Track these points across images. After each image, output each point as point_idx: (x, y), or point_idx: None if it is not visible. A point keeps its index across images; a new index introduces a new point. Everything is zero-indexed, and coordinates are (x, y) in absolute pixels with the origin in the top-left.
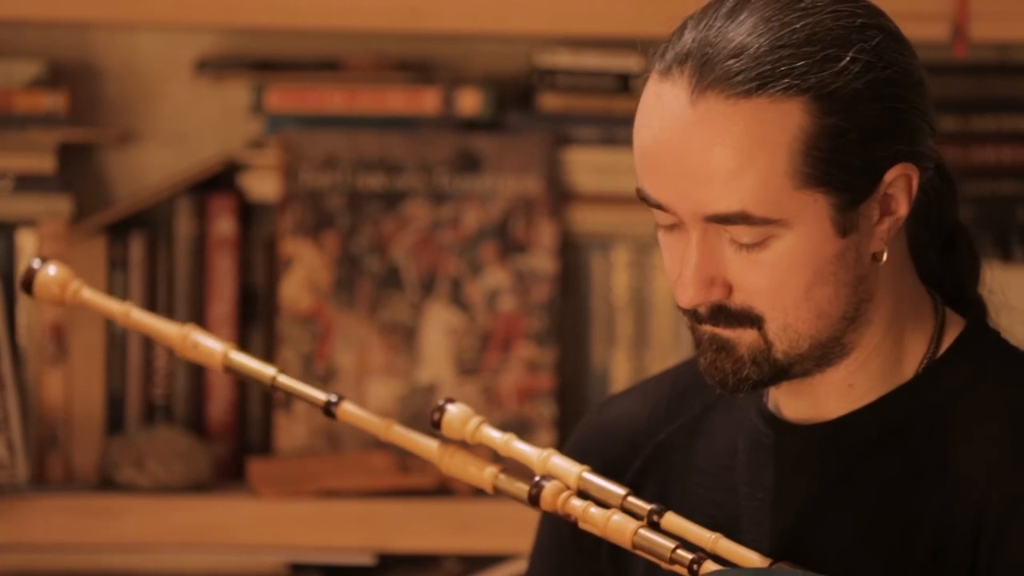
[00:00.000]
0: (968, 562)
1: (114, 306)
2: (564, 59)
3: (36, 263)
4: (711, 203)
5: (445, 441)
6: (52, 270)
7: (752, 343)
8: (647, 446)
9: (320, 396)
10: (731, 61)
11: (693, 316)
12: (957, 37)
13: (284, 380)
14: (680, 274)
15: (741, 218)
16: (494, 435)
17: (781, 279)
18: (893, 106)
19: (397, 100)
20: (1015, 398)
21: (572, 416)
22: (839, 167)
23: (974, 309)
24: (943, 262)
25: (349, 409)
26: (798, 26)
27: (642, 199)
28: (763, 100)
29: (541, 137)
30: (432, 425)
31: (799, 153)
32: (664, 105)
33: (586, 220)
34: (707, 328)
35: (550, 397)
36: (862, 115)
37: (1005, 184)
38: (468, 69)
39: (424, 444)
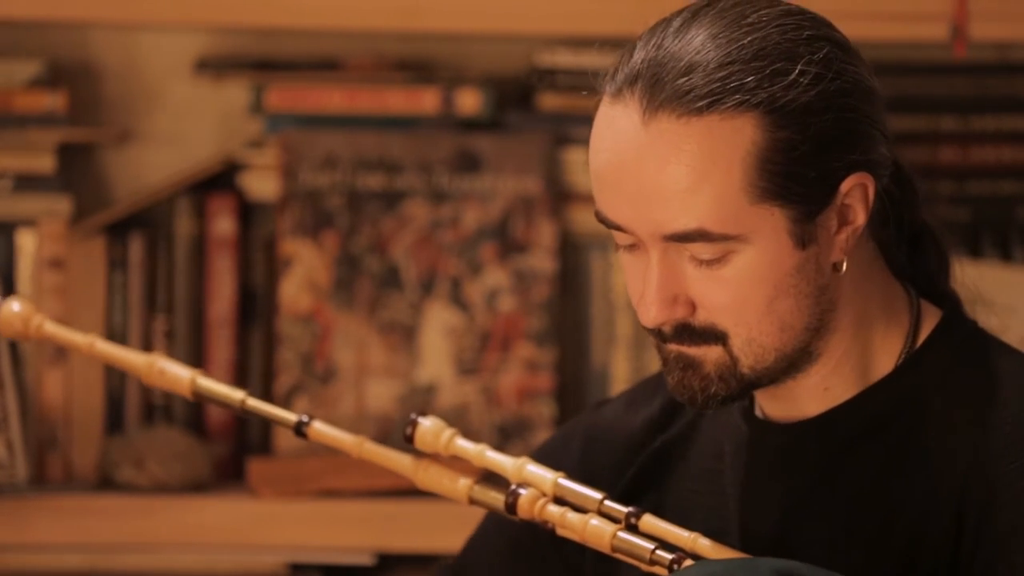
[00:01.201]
0: (950, 548)
1: (78, 338)
2: (564, 59)
3: None
4: (668, 222)
5: (419, 455)
6: (16, 306)
7: (718, 359)
8: (642, 453)
9: (291, 417)
10: (681, 80)
11: (658, 335)
12: (957, 37)
13: (253, 403)
14: (643, 294)
15: (699, 235)
16: (467, 446)
17: (743, 294)
18: (844, 116)
19: (397, 100)
20: (993, 384)
21: (572, 416)
22: (794, 180)
23: (948, 301)
24: (911, 261)
25: (320, 428)
26: (746, 42)
27: (600, 221)
28: (714, 117)
29: (541, 137)
30: (405, 440)
31: (753, 168)
32: (617, 127)
33: (586, 220)
34: (672, 347)
35: (549, 397)
36: (814, 127)
37: (1005, 184)
38: (467, 69)
39: (397, 459)
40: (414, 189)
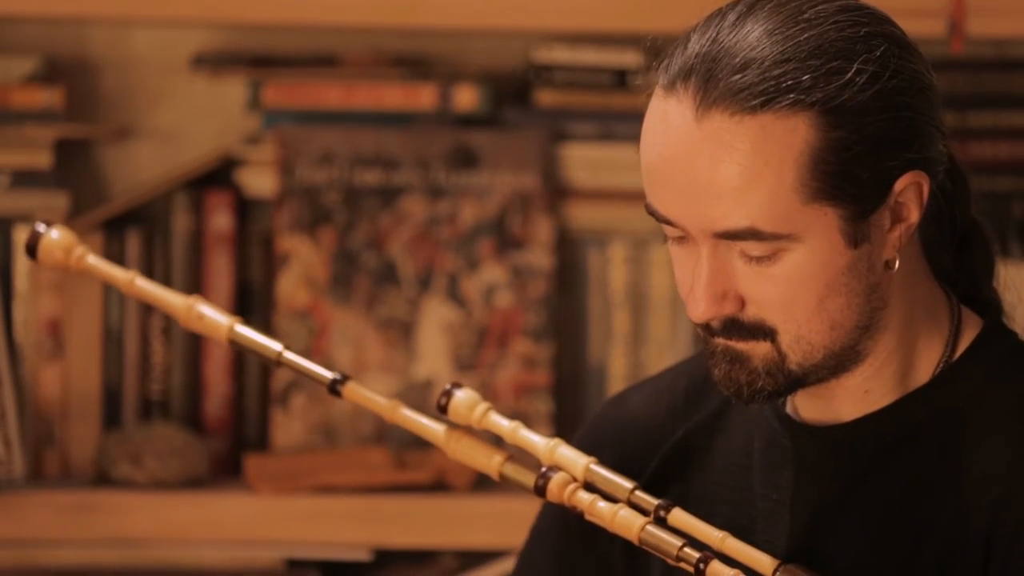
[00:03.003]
0: (980, 570)
1: (118, 273)
2: (561, 55)
3: (41, 227)
4: (720, 220)
5: (452, 426)
6: (55, 234)
7: (766, 355)
8: (665, 444)
9: (326, 374)
10: (736, 76)
11: (706, 329)
12: (954, 33)
13: (290, 356)
14: (692, 288)
15: (750, 234)
16: (502, 422)
17: (793, 292)
18: (901, 115)
19: (394, 96)
20: None
21: (569, 412)
22: (847, 180)
23: (990, 308)
24: (957, 261)
25: (355, 389)
26: (802, 39)
27: (651, 214)
28: (769, 116)
29: (538, 133)
30: (438, 410)
31: (806, 168)
32: (669, 122)
33: (583, 216)
34: (720, 341)
35: (547, 393)
36: (869, 127)
37: (1002, 180)
38: (465, 65)
39: (430, 428)
40: (411, 185)
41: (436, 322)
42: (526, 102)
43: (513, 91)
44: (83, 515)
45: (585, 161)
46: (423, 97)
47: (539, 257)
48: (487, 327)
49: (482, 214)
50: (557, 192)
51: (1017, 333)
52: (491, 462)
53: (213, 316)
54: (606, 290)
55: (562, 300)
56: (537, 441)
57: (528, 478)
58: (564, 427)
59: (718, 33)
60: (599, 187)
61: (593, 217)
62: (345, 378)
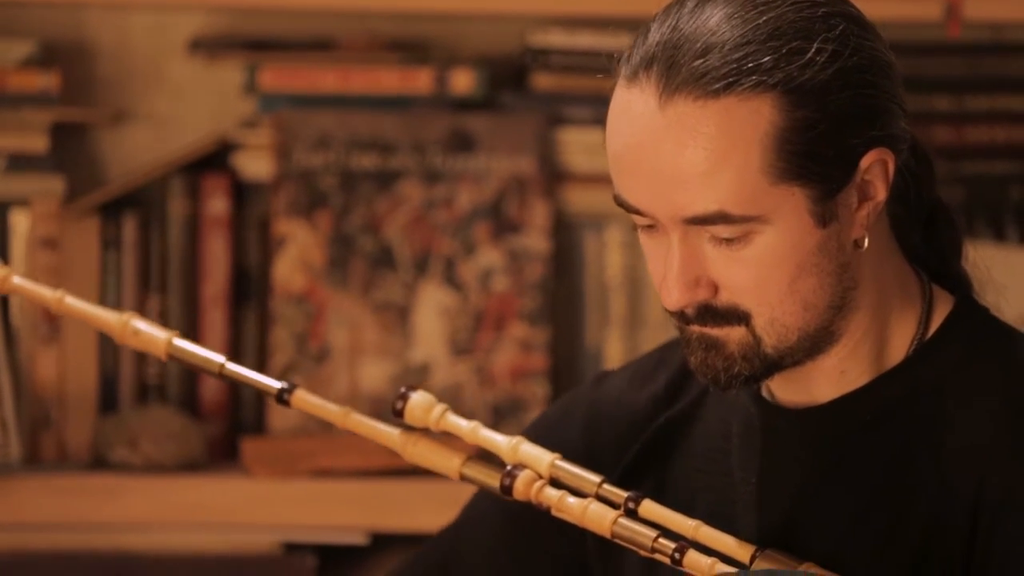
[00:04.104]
0: (964, 547)
1: (46, 293)
2: (557, 39)
3: None
4: (688, 206)
5: (407, 428)
6: None
7: (741, 340)
8: (645, 431)
9: (273, 384)
10: (697, 62)
11: (680, 317)
12: (950, 16)
13: (233, 368)
14: (664, 277)
15: (719, 218)
16: (460, 423)
17: (765, 275)
18: (863, 92)
19: (390, 80)
20: (1007, 376)
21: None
22: (813, 159)
23: (960, 285)
24: (925, 239)
25: (303, 397)
26: (761, 21)
27: (620, 205)
28: (732, 99)
29: (534, 117)
30: (394, 414)
31: (772, 149)
32: (633, 111)
33: (579, 200)
34: (695, 328)
35: (543, 377)
36: (832, 105)
37: (998, 164)
38: (461, 49)
39: (385, 432)
40: (408, 169)
41: (432, 306)
42: (523, 86)
43: (510, 75)
44: (79, 499)
45: (582, 145)
46: (419, 81)
47: (536, 241)
48: (483, 311)
49: (479, 198)
50: (554, 176)
51: (989, 308)
52: (451, 464)
53: (149, 331)
54: (603, 274)
55: (559, 284)
56: (499, 440)
57: (490, 478)
58: None
59: (678, 20)
60: (595, 171)
61: (590, 201)
62: (292, 387)
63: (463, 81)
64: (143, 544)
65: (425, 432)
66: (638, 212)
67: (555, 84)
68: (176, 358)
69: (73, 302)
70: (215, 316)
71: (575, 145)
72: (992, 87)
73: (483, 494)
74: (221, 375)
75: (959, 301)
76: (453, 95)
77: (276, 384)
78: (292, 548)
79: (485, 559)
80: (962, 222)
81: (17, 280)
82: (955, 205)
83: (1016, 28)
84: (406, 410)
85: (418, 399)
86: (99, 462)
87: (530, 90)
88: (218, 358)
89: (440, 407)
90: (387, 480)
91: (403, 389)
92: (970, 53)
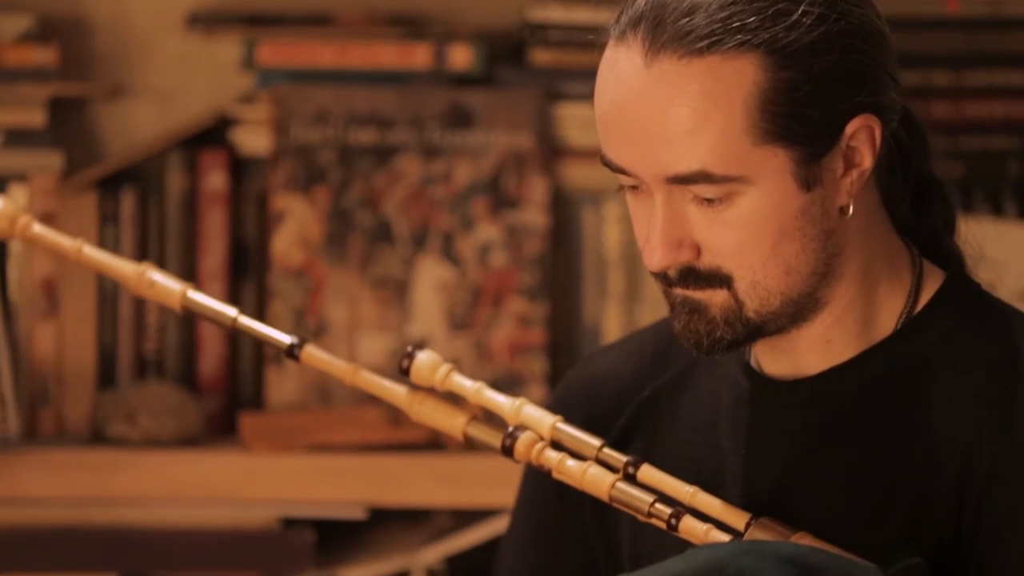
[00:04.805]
0: (952, 518)
1: (65, 242)
2: (556, 14)
3: None
4: (671, 164)
5: (414, 387)
6: (0, 204)
7: (723, 303)
8: (632, 402)
9: (283, 339)
10: (683, 20)
11: (664, 279)
12: None
13: (245, 321)
14: (648, 238)
15: (702, 177)
16: (464, 383)
17: (747, 237)
18: (849, 57)
19: (388, 55)
20: (995, 351)
21: (563, 371)
22: (797, 121)
23: (952, 261)
24: (917, 214)
25: (313, 352)
26: None
27: (606, 165)
28: (716, 58)
29: (532, 92)
30: (401, 372)
31: (755, 109)
32: (620, 70)
33: (577, 175)
34: (678, 291)
35: (541, 352)
36: (817, 67)
37: (997, 139)
38: (459, 24)
39: (392, 390)
40: (406, 144)
41: (431, 281)
42: (521, 61)
43: (508, 50)
44: (78, 474)
45: (580, 120)
46: (418, 56)
47: (534, 216)
48: (482, 286)
49: (477, 173)
50: (552, 151)
51: (980, 283)
52: (455, 423)
53: (164, 283)
54: (600, 249)
55: (557, 259)
56: (502, 401)
57: (494, 438)
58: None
59: None
60: (594, 146)
61: (588, 176)
62: (303, 342)
63: (461, 56)
64: (141, 519)
65: (431, 392)
66: (623, 171)
67: (553, 59)
68: (190, 310)
69: (91, 252)
70: (213, 291)
71: (573, 120)
72: (991, 62)
73: (523, 482)
74: (234, 327)
75: (949, 276)
76: (451, 70)
77: (287, 339)
78: (290, 523)
79: None
80: (956, 197)
81: (37, 228)
82: (953, 180)
83: (1015, 3)
84: (412, 368)
85: (424, 359)
86: (97, 437)
87: (528, 65)
88: (231, 311)
89: (446, 366)
90: (385, 455)
91: (410, 348)
92: (969, 28)
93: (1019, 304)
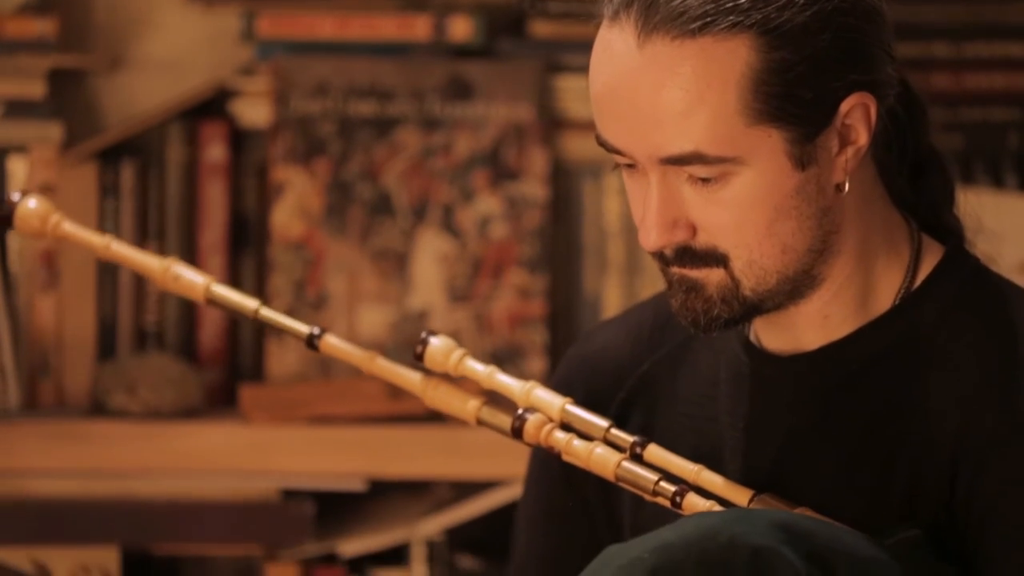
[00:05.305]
0: (946, 494)
1: (95, 239)
2: None
3: (16, 196)
4: (664, 145)
5: (428, 373)
6: (32, 203)
7: (720, 282)
8: (631, 377)
9: (303, 328)
10: (676, 1)
11: (660, 259)
12: None
13: (267, 312)
14: (643, 217)
15: (695, 158)
16: (477, 367)
17: (742, 216)
18: (843, 36)
19: (388, 27)
20: (993, 328)
21: (563, 343)
22: (791, 101)
23: (951, 235)
24: (915, 188)
25: (332, 342)
26: None
27: (601, 145)
28: (708, 39)
29: (533, 64)
30: (415, 358)
31: (748, 90)
32: (613, 51)
33: (577, 147)
34: (675, 270)
35: (541, 324)
36: (810, 47)
37: (997, 110)
38: None
39: (407, 376)
40: (406, 116)
41: (430, 253)
42: (521, 33)
43: (508, 22)
44: (77, 445)
45: (580, 92)
46: (418, 28)
47: (533, 188)
48: (481, 258)
49: (476, 145)
50: (552, 123)
51: (979, 258)
52: (467, 407)
53: (189, 276)
54: (600, 220)
55: (556, 231)
56: (513, 384)
57: (505, 422)
58: (558, 358)
59: None
60: (593, 118)
61: (588, 148)
62: (322, 332)
63: (461, 28)
64: (141, 490)
65: (445, 378)
66: (618, 152)
67: (553, 31)
68: (214, 302)
69: (119, 248)
70: (213, 263)
71: (573, 92)
72: (991, 34)
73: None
74: (256, 318)
75: (948, 251)
76: (451, 42)
77: (306, 329)
78: (290, 494)
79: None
80: (954, 171)
81: (67, 226)
82: (953, 152)
83: None
84: (426, 354)
85: (438, 344)
86: (97, 408)
87: (528, 37)
88: (252, 303)
89: (459, 352)
90: (385, 426)
91: (424, 334)
92: (969, 0)
93: (1018, 276)
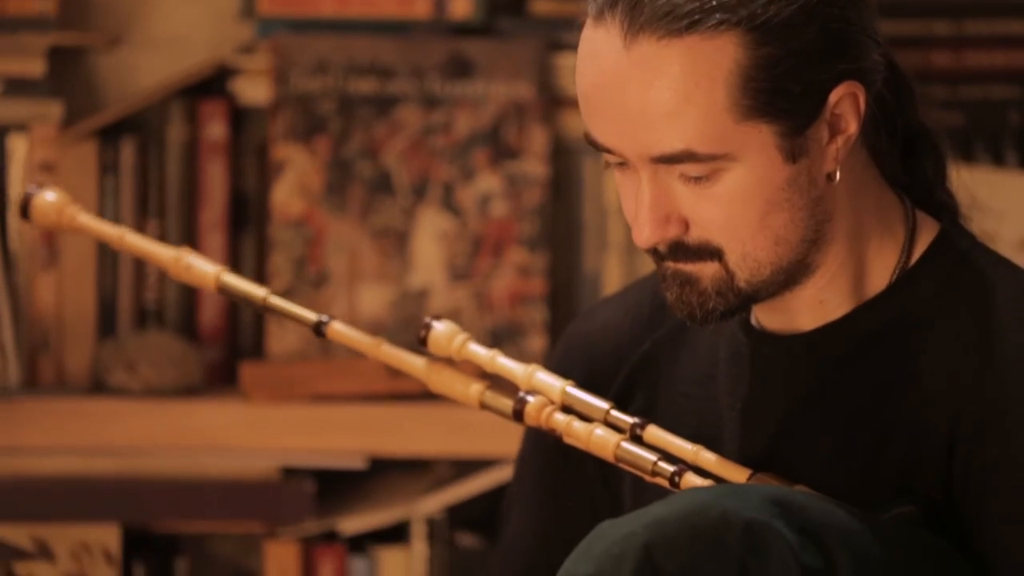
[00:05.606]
0: (942, 474)
1: (109, 230)
2: None
3: (33, 189)
4: (655, 145)
5: (432, 358)
6: (50, 196)
7: (715, 275)
8: (632, 356)
9: (311, 316)
10: (660, 1)
11: (654, 254)
12: None
13: (275, 300)
14: (636, 215)
15: (686, 157)
16: (479, 351)
17: (735, 211)
18: (829, 27)
19: (389, 4)
20: (986, 303)
21: (563, 321)
22: (779, 96)
23: (945, 211)
24: (907, 167)
25: (339, 328)
26: None
27: (590, 144)
28: (695, 38)
29: (533, 42)
30: (419, 342)
31: (737, 87)
32: (599, 51)
33: (578, 125)
34: (669, 264)
35: (541, 302)
36: (797, 41)
37: (997, 88)
38: None
39: (411, 362)
40: (406, 94)
41: (431, 231)
42: (521, 11)
43: (508, 0)
44: (78, 423)
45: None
46: (418, 6)
47: (534, 166)
48: (482, 236)
49: (477, 123)
50: (552, 101)
51: (974, 234)
52: (471, 392)
53: (201, 266)
54: (600, 199)
55: (557, 209)
56: (515, 368)
57: (507, 405)
58: (558, 336)
59: None
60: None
61: (583, 136)
62: (330, 319)
63: (461, 6)
64: (141, 468)
65: (449, 362)
66: (608, 150)
67: (553, 9)
68: (225, 291)
69: (132, 239)
70: (214, 241)
71: (573, 70)
72: (991, 11)
73: (524, 445)
74: (265, 306)
75: (943, 228)
76: (452, 20)
77: (314, 316)
78: (291, 472)
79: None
80: (947, 146)
81: (82, 218)
82: (953, 130)
83: None
84: (429, 338)
85: (441, 329)
86: (98, 386)
87: (529, 15)
88: (261, 291)
89: (462, 336)
90: (386, 404)
91: (427, 319)
92: None
93: (1019, 254)
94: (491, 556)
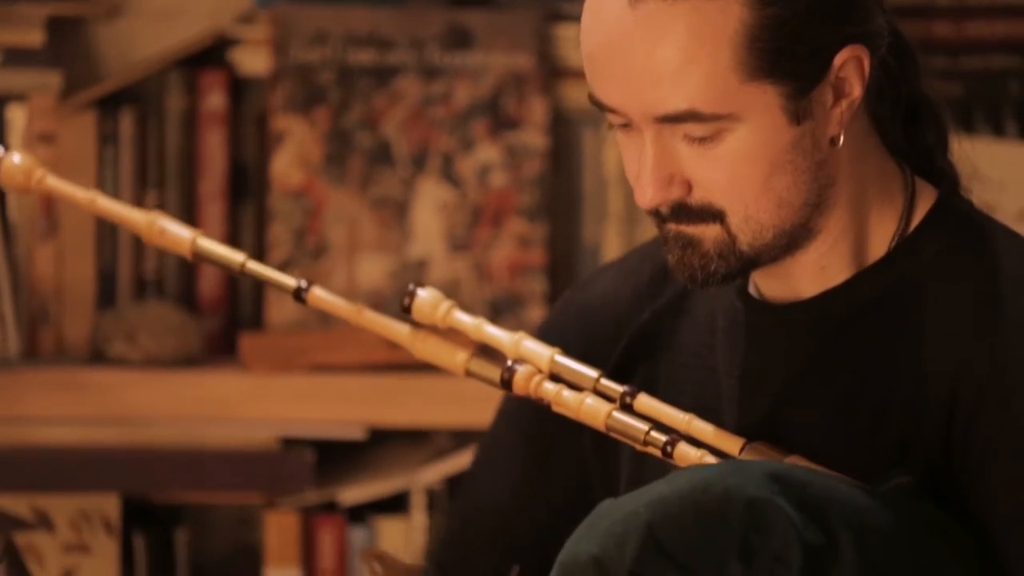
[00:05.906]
0: (941, 439)
1: (79, 194)
2: None
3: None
4: (659, 104)
5: (417, 325)
6: (16, 158)
7: (717, 237)
8: (631, 326)
9: (290, 282)
10: None
11: (656, 216)
12: None
13: (253, 266)
14: (638, 175)
15: (690, 116)
16: (465, 319)
17: (738, 172)
18: None
19: None
20: (984, 268)
21: (563, 291)
22: (784, 56)
23: (945, 180)
24: (908, 135)
25: (319, 294)
26: None
27: (594, 104)
28: None
29: (532, 12)
30: (403, 310)
31: (742, 47)
32: (605, 10)
33: (577, 96)
34: (671, 226)
35: (541, 272)
36: (802, 2)
37: (998, 58)
38: None
39: (395, 328)
40: (405, 65)
41: (430, 202)
42: None
43: None
44: (77, 393)
45: (579, 41)
46: None
47: (533, 137)
48: (481, 207)
49: (476, 94)
50: (551, 72)
51: (972, 202)
52: (456, 360)
53: (175, 230)
54: (600, 169)
55: (556, 180)
56: (502, 336)
57: (494, 373)
58: None
59: None
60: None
61: (587, 97)
62: (309, 284)
63: None
64: (141, 438)
65: (433, 329)
66: (612, 111)
67: None
68: (200, 256)
69: (104, 203)
70: (213, 212)
71: (573, 41)
72: None
73: (499, 424)
74: (242, 272)
75: (941, 195)
76: None
77: (293, 282)
78: (290, 443)
79: (509, 490)
80: (948, 116)
81: (51, 180)
82: (953, 100)
83: None
84: (413, 306)
85: (425, 296)
86: (97, 357)
87: None
88: (239, 256)
89: (446, 303)
90: (385, 375)
91: (411, 286)
92: None
93: (1019, 224)
94: (452, 511)
